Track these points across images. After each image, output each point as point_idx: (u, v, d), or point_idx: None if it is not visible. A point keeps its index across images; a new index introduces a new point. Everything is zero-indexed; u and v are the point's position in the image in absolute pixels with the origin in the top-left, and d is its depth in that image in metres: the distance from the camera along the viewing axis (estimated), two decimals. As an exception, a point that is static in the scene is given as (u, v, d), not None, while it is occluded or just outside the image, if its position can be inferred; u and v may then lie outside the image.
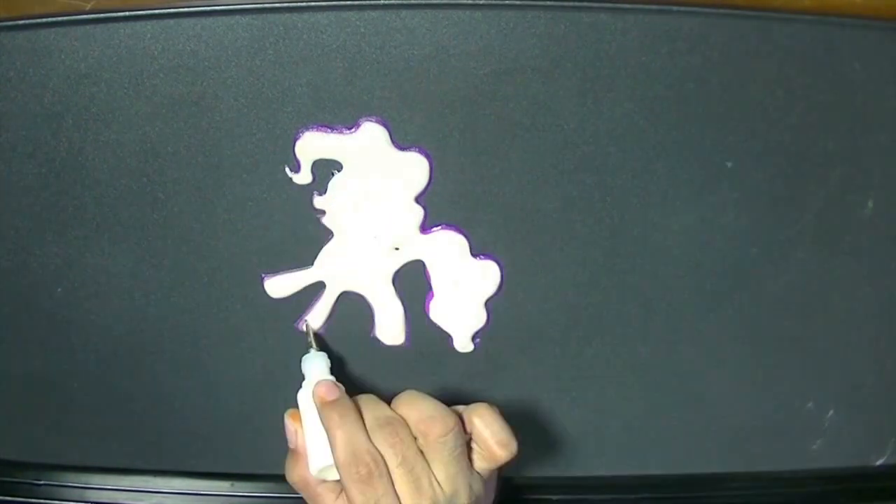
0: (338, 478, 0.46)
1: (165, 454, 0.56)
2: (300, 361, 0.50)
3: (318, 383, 0.48)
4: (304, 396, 0.49)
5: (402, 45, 0.46)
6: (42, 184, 0.49)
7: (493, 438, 0.47)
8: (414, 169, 0.48)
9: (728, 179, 0.50)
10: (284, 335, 0.52)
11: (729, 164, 0.50)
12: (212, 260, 0.50)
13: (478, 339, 0.53)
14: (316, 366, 0.49)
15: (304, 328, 0.52)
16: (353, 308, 0.52)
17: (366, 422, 0.46)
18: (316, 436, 0.47)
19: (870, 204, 0.51)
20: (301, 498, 0.50)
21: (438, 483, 0.46)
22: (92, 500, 0.59)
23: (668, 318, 0.53)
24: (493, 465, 0.48)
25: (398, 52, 0.46)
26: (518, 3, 0.46)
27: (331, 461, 0.46)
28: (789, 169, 0.50)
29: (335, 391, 0.47)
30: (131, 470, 0.58)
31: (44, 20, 0.46)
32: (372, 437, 0.46)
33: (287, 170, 0.48)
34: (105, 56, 0.46)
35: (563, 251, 0.51)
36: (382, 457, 0.45)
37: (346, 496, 0.45)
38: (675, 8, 0.46)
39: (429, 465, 0.46)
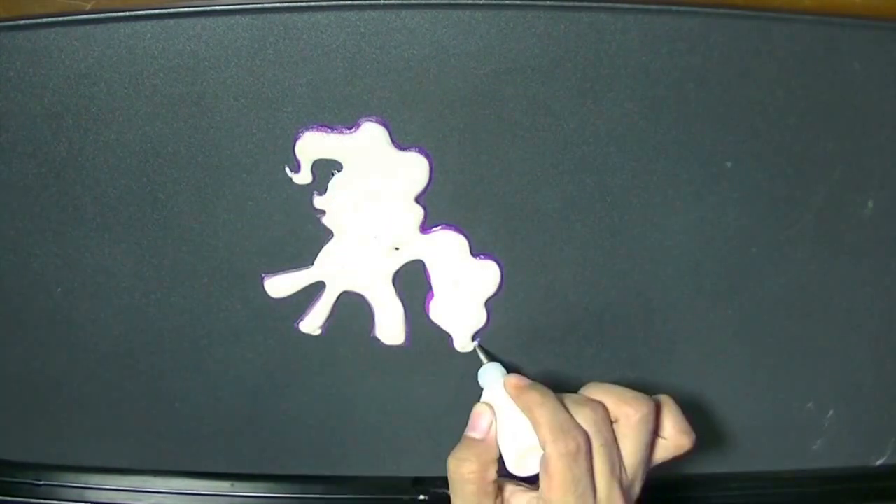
0: (535, 470, 0.45)
1: (165, 454, 0.56)
2: (476, 374, 0.50)
3: (506, 377, 0.48)
4: (491, 395, 0.48)
5: (402, 45, 0.46)
6: (42, 184, 0.49)
7: (677, 427, 0.46)
8: (414, 169, 0.48)
9: (728, 179, 0.50)
10: (284, 335, 0.52)
11: (729, 164, 0.50)
12: (212, 260, 0.50)
13: (478, 339, 0.53)
14: (492, 374, 0.50)
15: (476, 349, 0.52)
16: (353, 308, 0.52)
17: (564, 403, 0.45)
18: (511, 426, 0.46)
19: (870, 204, 0.51)
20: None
21: (624, 469, 0.44)
22: (92, 500, 0.59)
23: (668, 317, 0.53)
24: (674, 455, 0.46)
25: (398, 52, 0.46)
26: (518, 3, 0.46)
27: (534, 442, 0.45)
28: (789, 169, 0.50)
29: (527, 380, 0.47)
30: (131, 470, 0.58)
31: (44, 20, 0.46)
32: (574, 415, 0.44)
33: (287, 170, 0.48)
34: (105, 56, 0.46)
35: (563, 251, 0.51)
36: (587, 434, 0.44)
37: (547, 474, 0.43)
38: (675, 8, 0.46)
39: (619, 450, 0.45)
